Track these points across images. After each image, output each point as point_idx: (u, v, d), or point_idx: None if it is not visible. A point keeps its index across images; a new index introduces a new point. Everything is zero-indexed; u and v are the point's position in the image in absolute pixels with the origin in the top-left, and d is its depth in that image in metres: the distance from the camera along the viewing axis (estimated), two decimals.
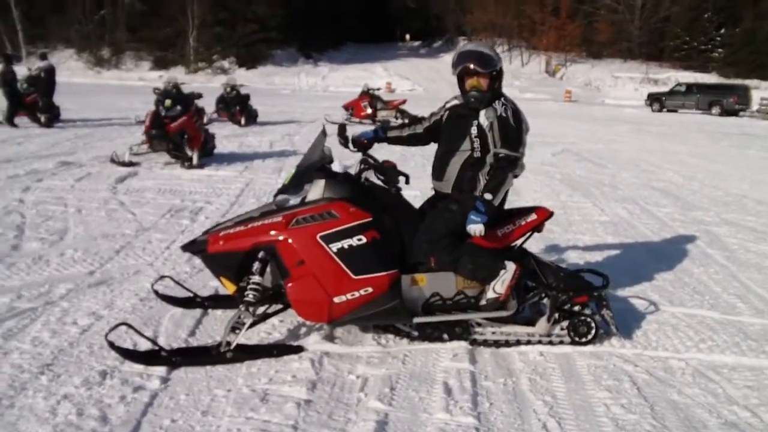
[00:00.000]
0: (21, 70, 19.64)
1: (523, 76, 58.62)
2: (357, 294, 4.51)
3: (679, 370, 4.54)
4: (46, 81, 18.39)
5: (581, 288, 4.90)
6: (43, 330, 4.80)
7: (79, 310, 5.20)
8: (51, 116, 18.17)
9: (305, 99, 36.53)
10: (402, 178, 4.81)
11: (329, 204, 4.56)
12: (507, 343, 4.84)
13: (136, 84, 44.93)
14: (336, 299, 4.50)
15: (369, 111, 22.15)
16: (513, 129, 4.54)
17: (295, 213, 4.57)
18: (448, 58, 45.27)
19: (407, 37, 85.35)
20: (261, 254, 4.56)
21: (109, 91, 36.88)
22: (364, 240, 4.50)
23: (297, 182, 4.77)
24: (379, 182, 4.86)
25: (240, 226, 4.67)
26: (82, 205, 8.83)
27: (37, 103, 18.05)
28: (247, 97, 21.62)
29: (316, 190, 4.67)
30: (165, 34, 53.31)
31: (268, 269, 4.63)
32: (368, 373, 4.35)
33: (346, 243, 4.48)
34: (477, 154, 4.62)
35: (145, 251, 6.83)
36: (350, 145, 5.02)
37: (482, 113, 4.58)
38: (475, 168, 4.64)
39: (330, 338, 4.84)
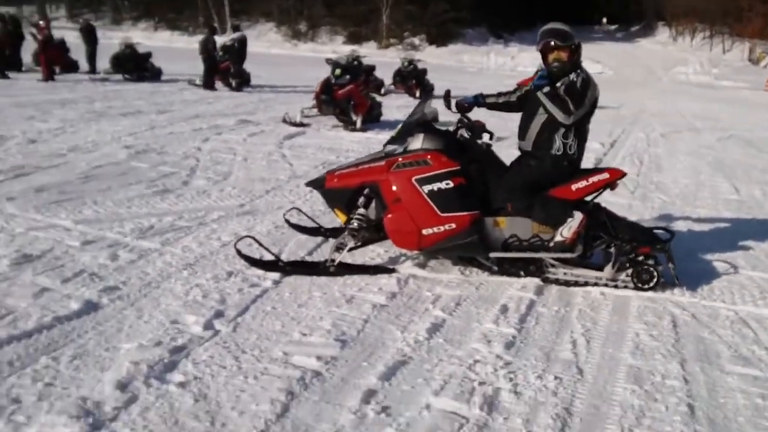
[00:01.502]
0: (218, 40, 21.59)
1: (723, 64, 56.06)
2: (442, 228, 5.37)
3: (723, 317, 5.04)
4: (238, 50, 20.18)
5: (645, 240, 5.50)
6: (193, 242, 5.99)
7: (224, 231, 6.34)
8: (241, 81, 20.03)
9: (490, 77, 37.06)
10: (486, 135, 5.62)
11: (425, 153, 5.44)
12: (576, 284, 5.51)
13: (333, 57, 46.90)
14: (424, 231, 5.38)
15: None
16: (578, 91, 5.20)
17: (396, 159, 5.49)
18: (644, 43, 43.75)
19: (604, 20, 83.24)
20: (366, 191, 5.52)
21: (302, 62, 38.89)
22: (452, 184, 5.35)
23: (402, 135, 5.68)
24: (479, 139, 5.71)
25: (352, 167, 5.66)
26: (249, 155, 10.14)
27: (230, 69, 19.94)
28: (423, 71, 22.56)
29: (416, 141, 5.55)
30: (360, 10, 55.01)
31: (373, 205, 5.56)
32: (443, 293, 5.18)
33: (435, 186, 5.35)
34: (552, 118, 5.30)
35: (291, 193, 7.94)
36: (453, 107, 5.84)
37: (559, 83, 5.26)
38: (551, 129, 5.34)
39: (422, 265, 5.72)
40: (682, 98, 27.26)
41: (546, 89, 5.25)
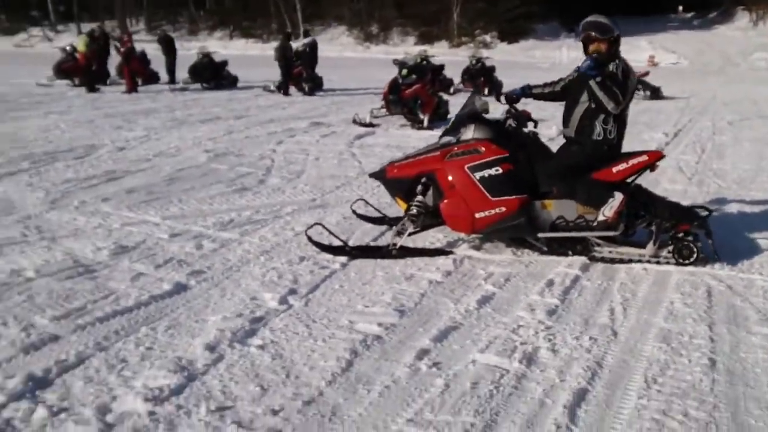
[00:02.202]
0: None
1: None
2: (493, 212, 5.87)
3: (758, 288, 5.37)
4: (309, 55, 20.87)
5: (684, 217, 5.89)
6: (269, 232, 6.63)
7: (297, 222, 6.95)
8: (313, 85, 20.79)
9: (562, 72, 36.85)
10: (531, 123, 6.12)
11: (476, 143, 5.96)
12: (621, 261, 5.92)
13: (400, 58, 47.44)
14: (477, 215, 5.89)
15: None
16: (620, 81, 5.64)
17: (450, 149, 6.02)
18: (723, 30, 42.77)
19: (680, 8, 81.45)
20: (424, 179, 6.06)
21: (374, 64, 39.47)
22: (501, 171, 5.85)
23: (455, 127, 6.23)
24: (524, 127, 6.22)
25: (410, 158, 6.21)
26: (320, 154, 10.80)
27: (302, 74, 20.68)
28: (492, 69, 22.91)
29: (468, 132, 6.08)
30: (430, 10, 55.25)
31: (430, 192, 6.09)
32: (495, 270, 5.68)
33: (486, 172, 5.86)
34: (593, 105, 5.75)
35: (359, 188, 8.52)
36: (502, 99, 6.35)
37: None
38: (592, 116, 5.78)
39: (477, 248, 6.23)
40: (758, 85, 26.94)
41: (598, 79, 5.66)
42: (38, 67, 26.06)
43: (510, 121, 6.17)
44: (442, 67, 20.98)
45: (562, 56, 52.08)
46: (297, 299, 5.01)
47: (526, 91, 6.35)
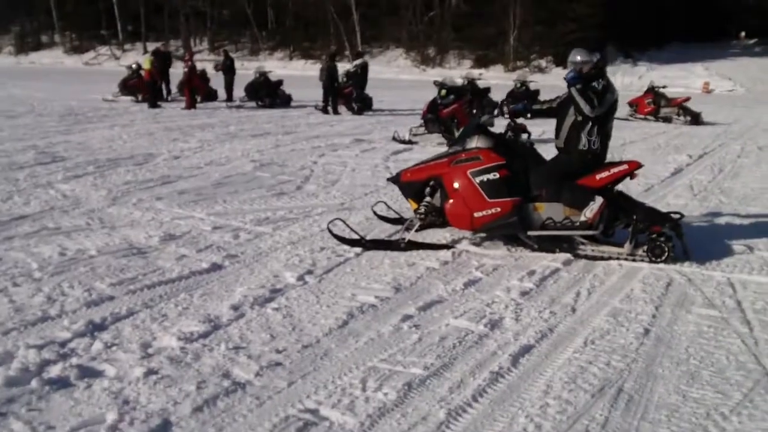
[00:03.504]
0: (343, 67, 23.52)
1: None
2: (490, 212, 6.75)
3: (714, 281, 6.14)
4: (360, 76, 21.91)
5: (657, 220, 6.69)
6: (297, 228, 7.61)
7: (324, 221, 7.87)
8: (362, 105, 21.81)
9: None
10: (525, 135, 7.03)
11: (478, 151, 6.87)
12: (601, 258, 6.74)
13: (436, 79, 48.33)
14: (475, 214, 6.78)
15: (651, 107, 23.25)
16: (599, 92, 6.56)
17: (456, 156, 6.94)
18: None
19: (742, 34, 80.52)
20: (432, 183, 6.98)
21: (429, 86, 40.42)
22: (498, 176, 6.74)
23: (462, 137, 7.14)
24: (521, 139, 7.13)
25: (422, 164, 7.14)
26: (357, 167, 11.80)
27: (352, 94, 21.74)
28: (536, 92, 23.63)
29: (472, 142, 6.99)
30: (487, 33, 56.08)
31: (438, 194, 7.00)
32: (487, 262, 6.56)
33: (485, 177, 6.76)
34: (579, 118, 6.64)
35: (385, 195, 9.44)
36: (506, 113, 7.26)
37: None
38: (578, 128, 6.66)
39: (477, 244, 7.11)
40: None
41: (578, 86, 6.62)
42: (105, 84, 27.72)
43: (510, 133, 7.07)
44: (487, 89, 21.78)
45: (615, 82, 52.00)
46: (312, 278, 5.96)
47: (527, 107, 7.26)
